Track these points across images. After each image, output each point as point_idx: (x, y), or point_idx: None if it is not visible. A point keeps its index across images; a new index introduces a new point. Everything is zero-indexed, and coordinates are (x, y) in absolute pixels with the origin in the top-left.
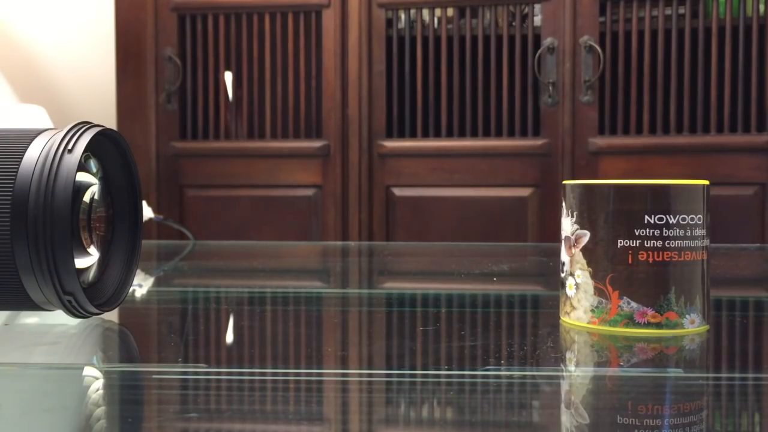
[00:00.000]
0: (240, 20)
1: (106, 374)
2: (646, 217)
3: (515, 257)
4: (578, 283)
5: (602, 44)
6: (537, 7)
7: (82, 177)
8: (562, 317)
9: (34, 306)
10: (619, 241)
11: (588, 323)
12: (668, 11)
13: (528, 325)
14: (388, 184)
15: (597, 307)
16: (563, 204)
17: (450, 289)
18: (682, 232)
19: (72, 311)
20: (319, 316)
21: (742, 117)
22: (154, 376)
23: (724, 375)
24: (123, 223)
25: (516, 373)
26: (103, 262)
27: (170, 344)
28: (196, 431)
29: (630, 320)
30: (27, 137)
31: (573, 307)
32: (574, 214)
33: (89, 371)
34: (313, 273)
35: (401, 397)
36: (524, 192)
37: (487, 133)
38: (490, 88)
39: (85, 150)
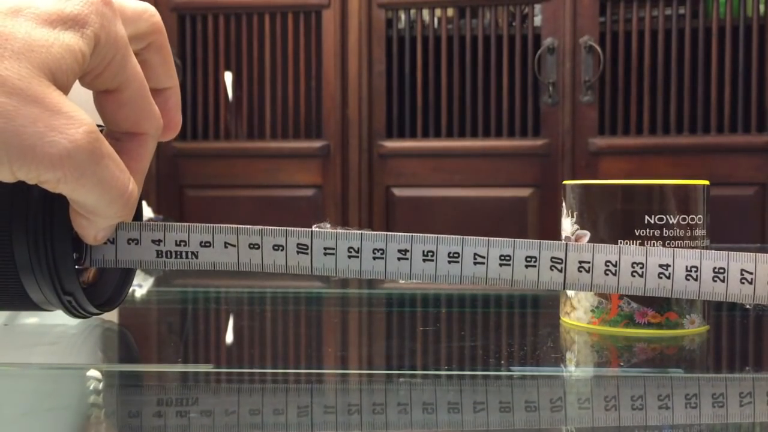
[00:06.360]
0: (240, 20)
1: (106, 374)
2: (647, 217)
3: None
4: None
5: (602, 44)
6: (537, 7)
7: None
8: (562, 317)
9: (33, 306)
10: (619, 241)
11: (588, 323)
12: (668, 11)
13: (528, 326)
14: (388, 184)
15: (597, 307)
16: (563, 204)
17: (450, 289)
18: (682, 232)
19: (72, 311)
20: (319, 316)
21: (742, 117)
22: (154, 376)
23: (724, 375)
24: None
25: (516, 373)
26: None
27: (170, 344)
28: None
29: (630, 320)
30: None
31: (573, 308)
32: (574, 214)
33: (89, 371)
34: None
35: (400, 397)
36: (524, 192)
37: (487, 134)
38: (490, 89)
39: None
